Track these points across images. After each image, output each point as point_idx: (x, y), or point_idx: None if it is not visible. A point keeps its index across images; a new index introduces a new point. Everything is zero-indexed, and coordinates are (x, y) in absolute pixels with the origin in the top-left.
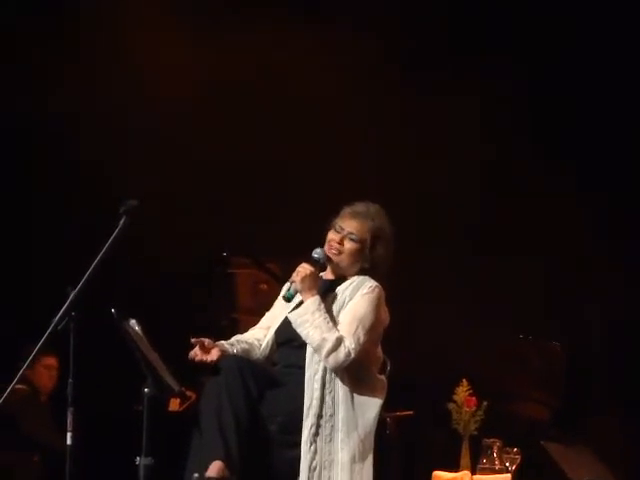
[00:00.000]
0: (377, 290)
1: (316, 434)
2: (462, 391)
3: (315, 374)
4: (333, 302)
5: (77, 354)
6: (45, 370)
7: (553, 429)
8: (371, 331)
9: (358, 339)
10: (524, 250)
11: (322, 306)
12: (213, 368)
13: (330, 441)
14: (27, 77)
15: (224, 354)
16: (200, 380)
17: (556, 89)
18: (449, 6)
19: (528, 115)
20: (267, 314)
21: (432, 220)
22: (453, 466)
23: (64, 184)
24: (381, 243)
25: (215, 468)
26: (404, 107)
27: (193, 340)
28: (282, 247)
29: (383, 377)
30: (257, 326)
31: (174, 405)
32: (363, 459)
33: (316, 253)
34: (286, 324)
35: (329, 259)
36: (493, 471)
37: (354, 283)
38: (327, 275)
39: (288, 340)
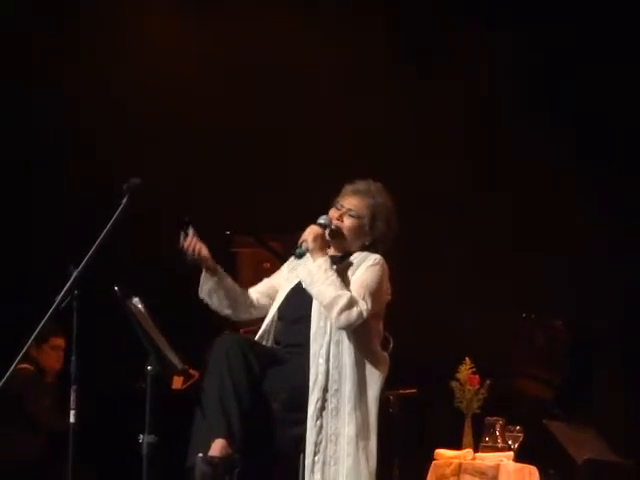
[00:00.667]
0: (381, 262)
1: (322, 408)
2: (465, 369)
3: (320, 349)
4: (345, 271)
5: (80, 332)
6: (52, 351)
7: (556, 407)
8: (377, 299)
9: (370, 303)
10: (525, 230)
11: (334, 266)
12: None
13: (336, 415)
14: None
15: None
16: (203, 358)
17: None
18: None
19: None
20: (265, 279)
21: (434, 201)
22: (456, 444)
23: (65, 165)
24: (381, 219)
25: (218, 446)
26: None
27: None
28: (284, 224)
29: (385, 354)
30: (253, 288)
31: (177, 383)
32: (368, 435)
33: (322, 219)
34: (288, 300)
35: (331, 233)
36: (496, 449)
37: (359, 257)
38: (331, 252)
39: (290, 315)
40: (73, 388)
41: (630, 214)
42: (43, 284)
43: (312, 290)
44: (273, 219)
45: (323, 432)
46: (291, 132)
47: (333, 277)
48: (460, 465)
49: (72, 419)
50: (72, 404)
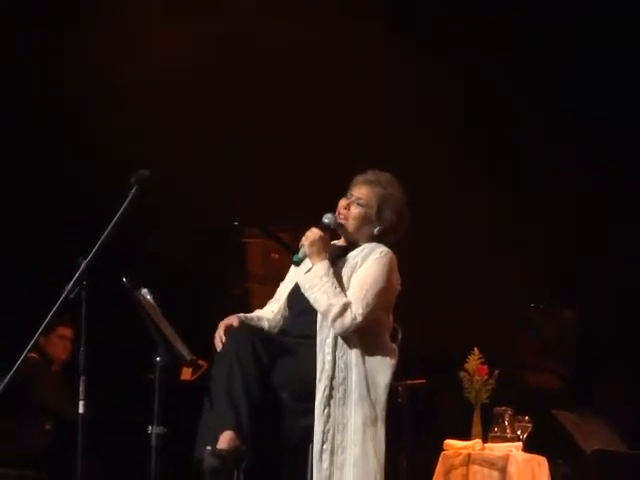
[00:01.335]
0: (388, 255)
1: (329, 397)
2: (474, 360)
3: (327, 338)
4: (344, 268)
5: (89, 323)
6: (60, 340)
7: (565, 398)
8: (381, 296)
9: (367, 305)
10: (537, 217)
11: (331, 271)
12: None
13: (343, 404)
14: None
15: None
16: (212, 349)
17: None
18: None
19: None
20: (281, 285)
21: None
22: (465, 434)
23: (78, 156)
24: (390, 209)
25: (226, 439)
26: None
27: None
28: (293, 215)
29: (394, 345)
30: (272, 299)
31: (186, 374)
32: (376, 424)
33: (326, 218)
34: (297, 290)
35: (339, 225)
36: (504, 439)
37: (366, 249)
38: (339, 242)
39: (298, 306)
40: (82, 379)
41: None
42: (51, 274)
43: (309, 297)
44: (277, 210)
45: (331, 421)
46: (303, 127)
47: (328, 284)
48: (469, 455)
49: (81, 410)
50: (81, 395)
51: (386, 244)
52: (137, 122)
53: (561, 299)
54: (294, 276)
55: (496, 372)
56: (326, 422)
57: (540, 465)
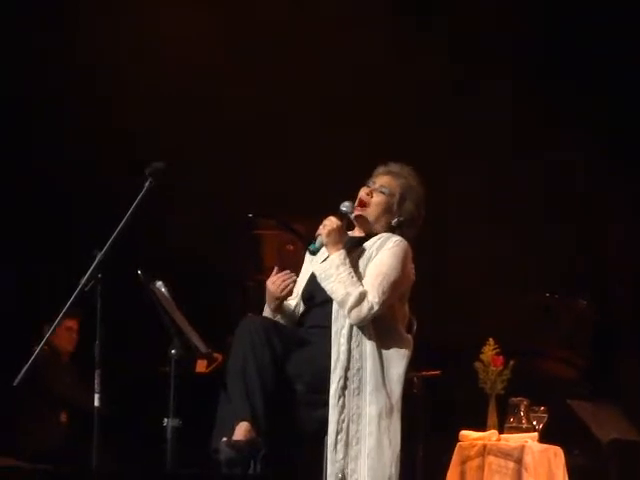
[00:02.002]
0: (403, 244)
1: (344, 387)
2: (489, 350)
3: (342, 328)
4: (360, 257)
5: (104, 316)
6: (65, 332)
7: (580, 387)
8: (396, 285)
9: (383, 293)
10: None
11: (347, 260)
12: None
13: (358, 395)
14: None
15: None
16: (227, 341)
17: None
18: None
19: None
20: (297, 279)
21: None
22: (480, 425)
23: (93, 148)
24: (411, 200)
25: (241, 430)
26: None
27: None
28: (309, 206)
29: (409, 336)
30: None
31: (201, 367)
32: (391, 415)
33: (344, 206)
34: (312, 282)
35: (357, 215)
36: (520, 430)
37: (381, 239)
38: (355, 232)
39: (314, 299)
40: (97, 372)
41: None
42: (67, 265)
43: (325, 287)
44: (298, 201)
45: (345, 411)
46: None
47: (344, 274)
48: (485, 446)
49: (97, 403)
50: (96, 388)
51: (402, 235)
52: (151, 116)
53: (577, 288)
54: (308, 269)
55: (511, 362)
56: (341, 412)
57: (556, 455)
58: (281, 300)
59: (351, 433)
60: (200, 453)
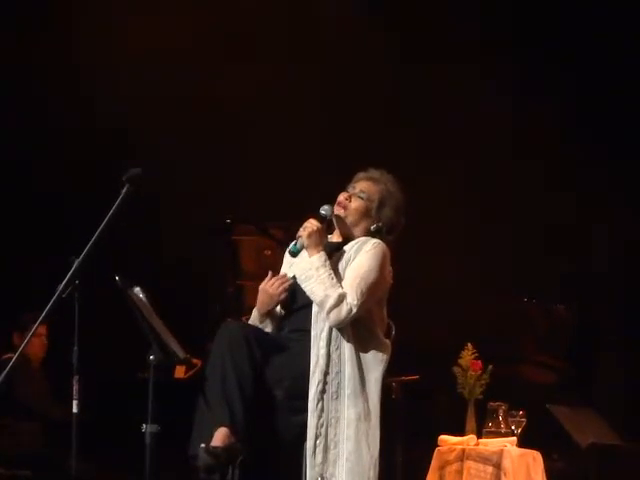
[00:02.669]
0: (381, 246)
1: (323, 391)
2: (467, 355)
3: (321, 332)
4: (339, 261)
5: (81, 322)
6: (36, 338)
7: (559, 392)
8: (375, 287)
9: (361, 294)
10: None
11: (327, 262)
12: None
13: (337, 398)
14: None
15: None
16: (206, 347)
17: None
18: None
19: None
20: None
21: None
22: (459, 430)
23: (66, 155)
24: (390, 207)
25: (220, 436)
26: None
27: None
28: (286, 212)
29: (387, 340)
30: None
31: (180, 372)
32: (369, 419)
33: (323, 210)
34: (293, 285)
35: (337, 217)
36: (499, 434)
37: (359, 242)
38: (334, 237)
39: (293, 305)
40: (75, 378)
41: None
42: (43, 274)
43: (305, 288)
44: (275, 207)
45: (324, 415)
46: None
47: (324, 275)
48: (463, 451)
49: (75, 409)
50: (75, 394)
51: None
52: (126, 121)
53: (555, 293)
54: (287, 273)
55: (490, 367)
56: (320, 416)
57: (535, 460)
58: (277, 303)
59: (330, 437)
60: (179, 459)
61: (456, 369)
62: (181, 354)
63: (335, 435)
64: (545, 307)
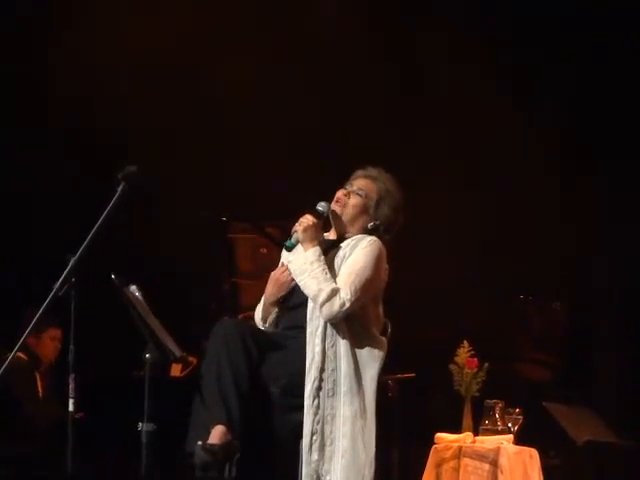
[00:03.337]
0: (377, 243)
1: (319, 388)
2: (463, 352)
3: (317, 329)
4: (334, 258)
5: (78, 321)
6: (51, 341)
7: (555, 390)
8: (369, 283)
9: (355, 290)
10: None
11: (322, 257)
12: None
13: (332, 395)
14: None
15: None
16: (202, 345)
17: None
18: None
19: None
20: None
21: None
22: (455, 428)
23: (64, 151)
24: (387, 205)
25: (217, 433)
26: None
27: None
28: (282, 210)
29: (384, 338)
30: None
31: (176, 371)
32: (365, 416)
33: (320, 206)
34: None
35: (333, 213)
36: (495, 432)
37: (355, 240)
38: (330, 235)
39: (289, 303)
40: (72, 377)
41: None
42: (43, 271)
43: (299, 282)
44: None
45: (320, 412)
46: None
47: (318, 270)
48: (460, 448)
49: (71, 407)
50: (71, 393)
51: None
52: (121, 120)
53: (550, 291)
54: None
55: (486, 365)
56: (315, 413)
57: (531, 457)
58: (287, 292)
59: (326, 434)
60: (175, 457)
61: (452, 367)
62: (177, 352)
63: (331, 432)
64: (541, 305)
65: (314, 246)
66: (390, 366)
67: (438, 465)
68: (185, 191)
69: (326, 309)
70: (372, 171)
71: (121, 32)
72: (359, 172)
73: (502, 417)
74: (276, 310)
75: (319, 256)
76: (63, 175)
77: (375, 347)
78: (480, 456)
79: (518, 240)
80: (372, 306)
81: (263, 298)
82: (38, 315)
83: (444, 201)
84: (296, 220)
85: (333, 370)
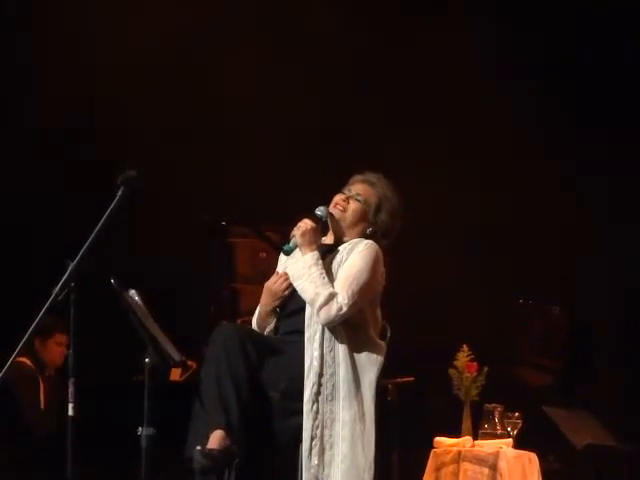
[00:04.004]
0: (374, 247)
1: (318, 393)
2: (463, 357)
3: (315, 334)
4: (332, 262)
5: (77, 325)
6: (57, 347)
7: (554, 394)
8: (366, 287)
9: (352, 294)
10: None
11: (320, 262)
12: None
13: (332, 400)
14: None
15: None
16: (201, 349)
17: None
18: None
19: None
20: None
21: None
22: (455, 432)
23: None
24: (386, 211)
25: (216, 438)
26: None
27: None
28: (282, 212)
29: (382, 342)
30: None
31: (175, 375)
32: (365, 420)
33: (319, 210)
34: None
35: (331, 217)
36: (495, 436)
37: (352, 244)
38: (327, 239)
39: (288, 308)
40: (71, 381)
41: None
42: (44, 275)
43: (297, 286)
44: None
45: (319, 417)
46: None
47: (315, 274)
48: (459, 453)
49: (70, 412)
50: (70, 397)
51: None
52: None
53: (550, 295)
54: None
55: (485, 369)
56: (315, 418)
57: (531, 461)
58: (282, 300)
59: (325, 439)
60: (174, 462)
61: (452, 371)
62: (177, 357)
63: (330, 437)
64: (541, 308)
65: (312, 250)
66: (389, 370)
67: (437, 469)
68: (185, 191)
69: (323, 313)
70: (370, 176)
71: (121, 32)
72: (357, 177)
73: (501, 421)
74: (274, 321)
75: (317, 260)
76: (63, 178)
77: (374, 351)
78: (479, 460)
79: (518, 240)
80: (370, 310)
81: (258, 308)
82: (37, 320)
83: (444, 201)
84: (294, 224)
85: (332, 375)
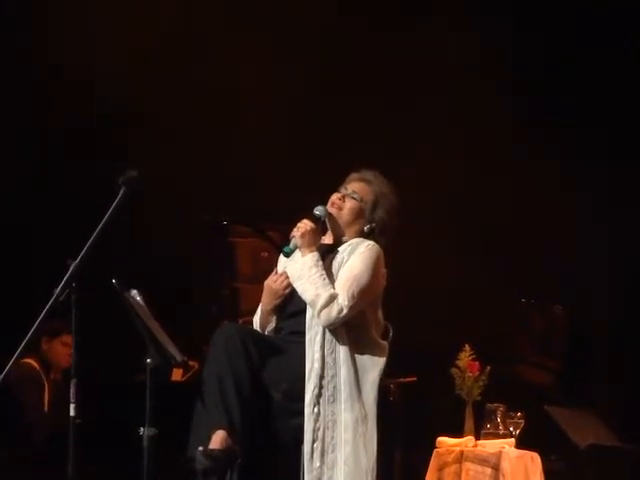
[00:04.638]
0: (375, 248)
1: (319, 395)
2: (465, 356)
3: (316, 336)
4: (332, 263)
5: (79, 325)
6: (63, 348)
7: (556, 393)
8: (367, 289)
9: (353, 296)
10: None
11: (320, 263)
12: None
13: (333, 402)
14: None
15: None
16: (203, 349)
17: None
18: None
19: None
20: None
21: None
22: (457, 431)
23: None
24: (383, 208)
25: (218, 439)
26: None
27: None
28: (282, 215)
29: (384, 342)
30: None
31: (177, 375)
32: (366, 421)
33: (317, 210)
34: (287, 294)
35: (331, 217)
36: (497, 436)
37: (353, 244)
38: (326, 239)
39: (289, 309)
40: (73, 381)
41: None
42: (44, 275)
43: (297, 287)
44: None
45: (321, 419)
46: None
47: (316, 275)
48: (462, 452)
49: (72, 412)
50: (72, 397)
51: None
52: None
53: (552, 294)
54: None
55: (487, 368)
56: (316, 420)
57: (533, 461)
58: (282, 299)
59: (327, 440)
60: (176, 462)
61: (454, 370)
62: (178, 357)
63: (332, 439)
64: (543, 308)
65: (312, 251)
66: (392, 370)
67: (440, 469)
68: (185, 191)
69: (324, 315)
70: (366, 174)
71: (121, 32)
72: (354, 175)
73: (504, 421)
74: (275, 319)
75: (317, 261)
76: (63, 178)
77: (375, 352)
78: (482, 460)
79: (518, 240)
80: (371, 311)
81: (260, 307)
82: (39, 320)
83: (444, 201)
84: (294, 225)
85: (333, 377)
